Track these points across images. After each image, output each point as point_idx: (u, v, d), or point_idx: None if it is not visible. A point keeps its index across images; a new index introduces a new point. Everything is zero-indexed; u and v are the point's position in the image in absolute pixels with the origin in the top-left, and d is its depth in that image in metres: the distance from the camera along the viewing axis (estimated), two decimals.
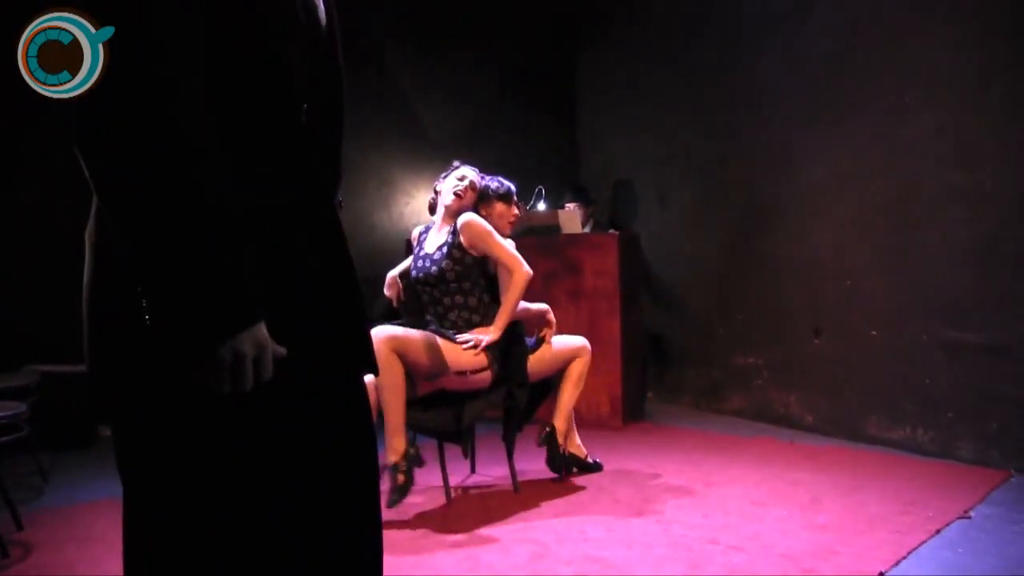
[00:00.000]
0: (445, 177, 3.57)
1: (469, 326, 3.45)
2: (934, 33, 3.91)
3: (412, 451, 3.19)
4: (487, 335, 3.36)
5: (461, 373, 3.29)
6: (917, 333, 3.96)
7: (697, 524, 3.00)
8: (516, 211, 3.74)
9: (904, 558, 2.59)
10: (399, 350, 3.16)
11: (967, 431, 3.76)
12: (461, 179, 3.52)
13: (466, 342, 3.33)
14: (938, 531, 2.83)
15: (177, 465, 1.10)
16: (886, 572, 2.49)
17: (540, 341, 3.60)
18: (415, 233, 3.72)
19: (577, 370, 3.67)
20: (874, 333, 4.17)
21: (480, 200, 3.64)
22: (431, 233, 3.60)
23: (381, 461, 2.98)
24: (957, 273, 3.80)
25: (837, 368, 4.41)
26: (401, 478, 3.12)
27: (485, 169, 3.84)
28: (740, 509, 3.17)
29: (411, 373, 3.24)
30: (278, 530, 1.14)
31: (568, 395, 3.69)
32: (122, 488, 1.13)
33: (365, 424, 1.27)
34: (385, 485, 3.03)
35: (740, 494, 3.38)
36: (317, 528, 1.16)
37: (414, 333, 3.25)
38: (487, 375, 3.36)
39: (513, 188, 3.75)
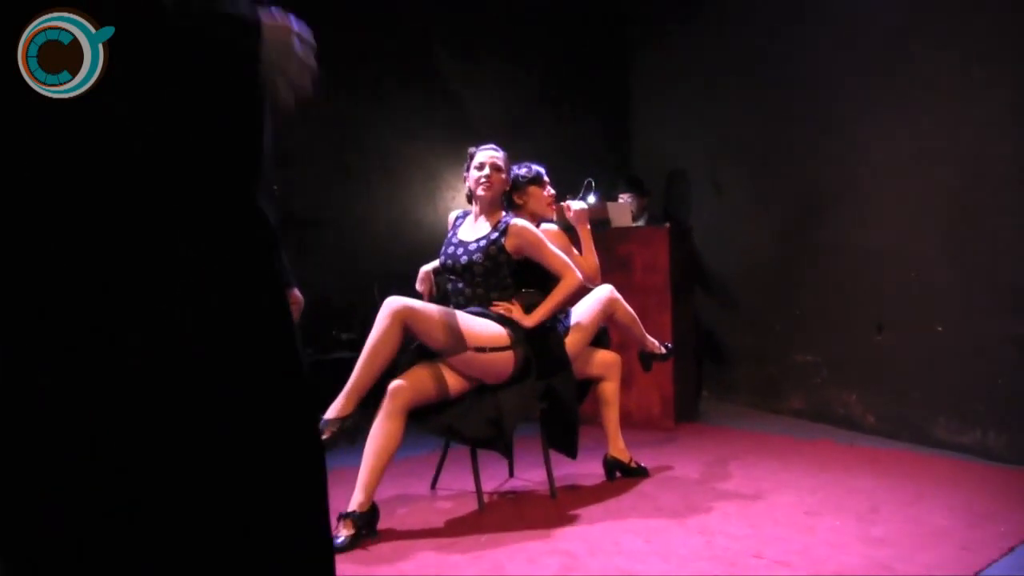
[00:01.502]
0: (468, 168, 3.42)
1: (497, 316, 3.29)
2: (1006, 1, 3.60)
3: (370, 511, 2.91)
4: (522, 317, 3.25)
5: (480, 349, 3.11)
6: (989, 328, 3.66)
7: (743, 535, 2.79)
8: (551, 192, 3.69)
9: None
10: (412, 324, 3.02)
11: None
12: (480, 168, 3.35)
13: (498, 309, 3.24)
14: (1011, 549, 2.56)
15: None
16: None
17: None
18: (451, 217, 3.58)
19: (610, 391, 3.65)
20: (940, 328, 3.88)
21: (513, 189, 3.54)
22: (468, 220, 3.45)
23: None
24: None
25: (901, 366, 4.13)
26: (348, 530, 2.81)
27: (535, 160, 3.72)
28: (790, 519, 2.94)
29: (431, 358, 3.11)
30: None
31: (611, 419, 3.66)
32: None
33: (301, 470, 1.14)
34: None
35: (792, 502, 3.15)
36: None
37: (431, 306, 3.11)
38: (509, 356, 3.17)
39: (542, 170, 3.68)
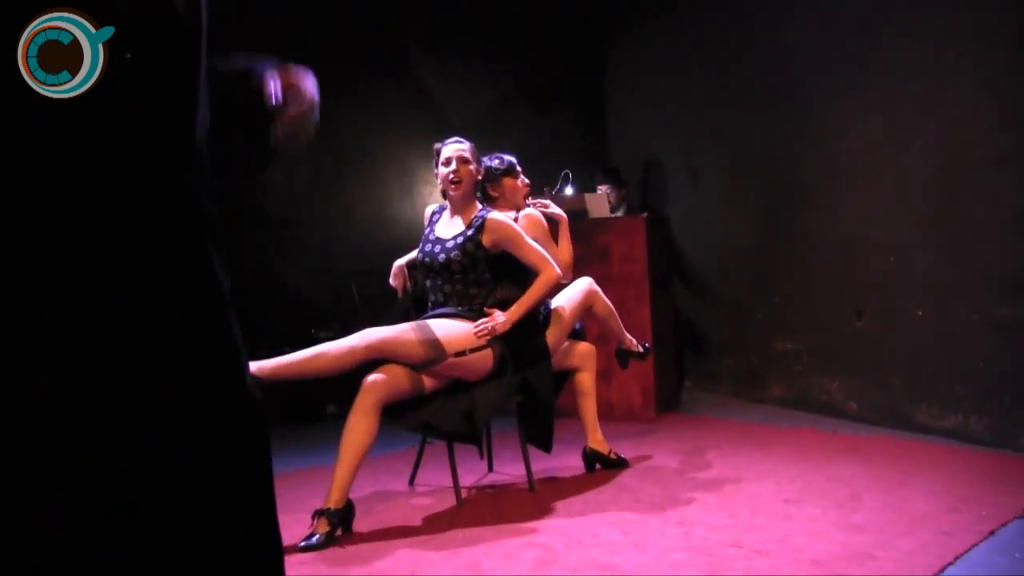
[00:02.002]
0: (437, 166, 3.36)
1: (471, 314, 3.23)
2: None
3: (345, 508, 2.86)
4: (500, 321, 3.15)
5: (460, 354, 3.07)
6: (968, 311, 3.65)
7: (722, 525, 2.76)
8: (526, 181, 3.64)
9: (951, 564, 2.31)
10: (389, 352, 2.96)
11: None
12: (447, 163, 3.29)
13: (479, 327, 3.12)
14: (992, 532, 2.53)
15: None
16: None
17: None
18: (428, 212, 3.52)
19: (587, 381, 3.60)
20: (920, 313, 3.86)
21: (487, 181, 3.49)
22: (444, 216, 3.40)
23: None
24: (1009, 244, 3.47)
25: (881, 352, 4.11)
26: (323, 528, 2.77)
27: (513, 154, 3.67)
28: (770, 508, 2.91)
29: (412, 367, 3.04)
30: None
31: (589, 410, 3.60)
32: None
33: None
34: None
35: (772, 491, 3.12)
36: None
37: (401, 327, 3.05)
38: (488, 354, 3.13)
39: (514, 160, 3.63)
